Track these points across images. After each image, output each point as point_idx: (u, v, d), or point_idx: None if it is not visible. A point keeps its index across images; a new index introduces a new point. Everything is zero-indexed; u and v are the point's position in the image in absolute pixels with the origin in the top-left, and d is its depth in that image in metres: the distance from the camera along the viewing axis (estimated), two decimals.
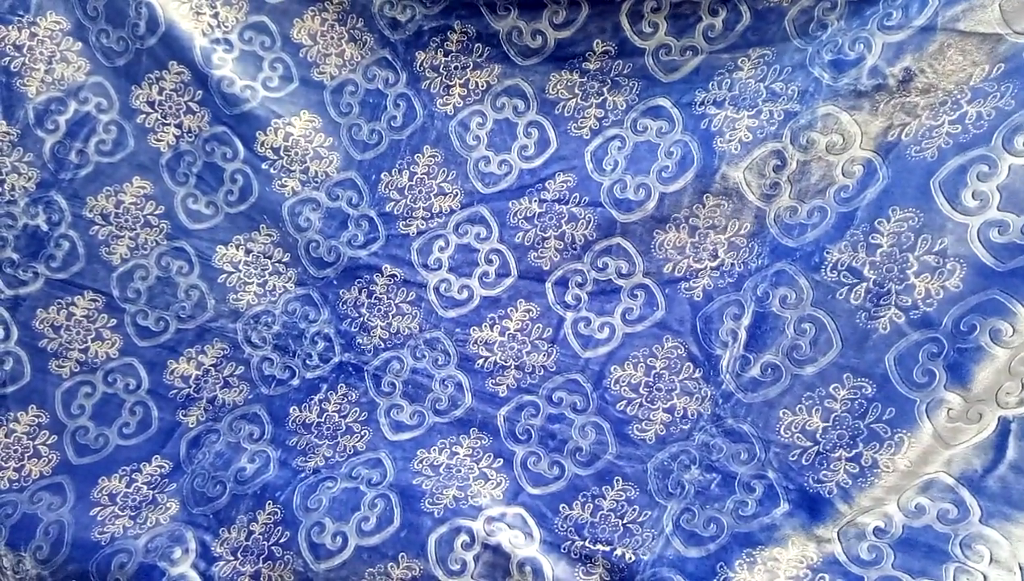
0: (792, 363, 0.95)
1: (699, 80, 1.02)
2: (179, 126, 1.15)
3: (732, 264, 1.01)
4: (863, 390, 0.89)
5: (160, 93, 1.14)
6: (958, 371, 0.82)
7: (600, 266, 1.08)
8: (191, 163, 1.16)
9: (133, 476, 1.13)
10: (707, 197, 1.00)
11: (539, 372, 1.10)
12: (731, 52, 1.00)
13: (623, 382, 1.06)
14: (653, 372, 1.05)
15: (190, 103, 1.15)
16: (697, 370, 1.03)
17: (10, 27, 1.13)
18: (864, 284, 0.89)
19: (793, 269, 0.95)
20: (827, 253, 0.92)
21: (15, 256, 1.15)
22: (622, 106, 1.06)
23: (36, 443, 1.14)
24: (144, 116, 1.15)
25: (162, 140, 1.16)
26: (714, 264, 1.02)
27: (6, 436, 1.13)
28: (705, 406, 1.01)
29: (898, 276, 0.87)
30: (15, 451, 1.13)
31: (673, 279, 1.05)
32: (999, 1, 0.81)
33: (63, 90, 1.14)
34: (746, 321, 0.99)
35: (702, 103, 1.01)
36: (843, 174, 0.93)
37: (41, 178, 1.15)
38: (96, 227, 1.16)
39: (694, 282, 1.04)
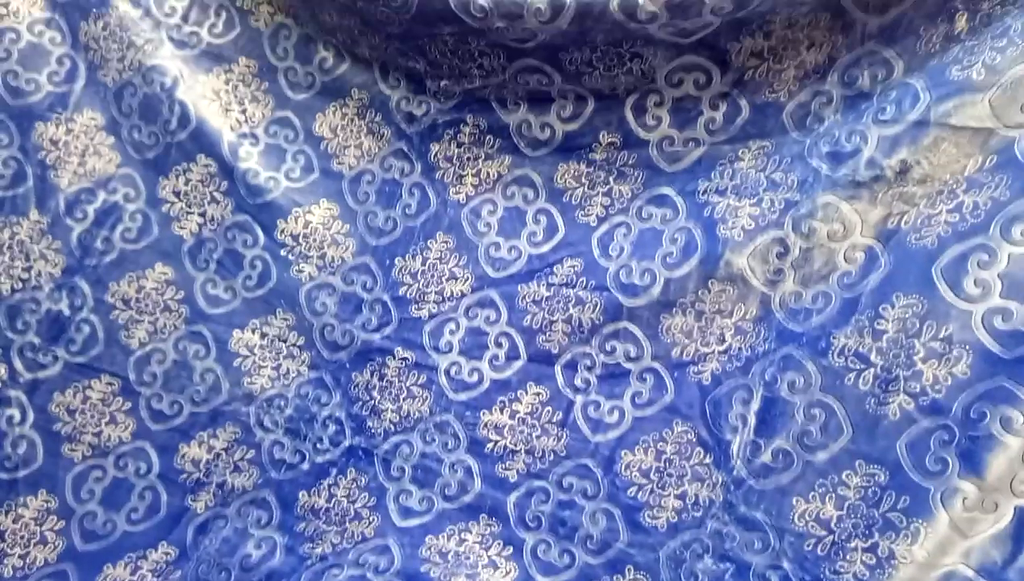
0: (803, 449, 0.94)
1: (701, 170, 1.05)
2: (203, 214, 1.20)
3: (739, 348, 1.02)
4: (876, 478, 0.88)
5: (186, 184, 1.20)
6: (971, 459, 0.81)
7: (608, 349, 1.09)
8: (212, 250, 1.20)
9: (139, 563, 1.11)
10: (712, 282, 1.02)
11: (549, 456, 1.10)
12: (732, 144, 1.04)
13: (633, 467, 1.06)
14: (664, 457, 1.04)
15: (215, 193, 1.20)
16: (708, 455, 1.02)
17: (48, 124, 1.20)
18: (872, 370, 0.90)
19: (800, 354, 0.96)
20: (833, 338, 0.93)
21: (36, 340, 1.18)
22: (628, 194, 1.10)
23: (43, 529, 1.13)
24: (169, 205, 1.20)
25: (185, 228, 1.21)
26: (721, 348, 1.03)
27: (14, 522, 1.13)
28: (717, 492, 1.00)
29: (905, 362, 0.87)
30: (22, 537, 1.12)
31: (681, 363, 1.05)
32: (988, 97, 0.85)
33: (94, 181, 1.20)
34: (755, 406, 0.99)
35: (705, 192, 1.05)
36: (845, 260, 0.94)
37: (67, 265, 1.19)
38: (117, 311, 1.19)
39: (702, 366, 1.04)
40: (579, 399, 1.10)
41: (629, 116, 1.07)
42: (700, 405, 1.03)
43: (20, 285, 1.18)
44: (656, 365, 1.07)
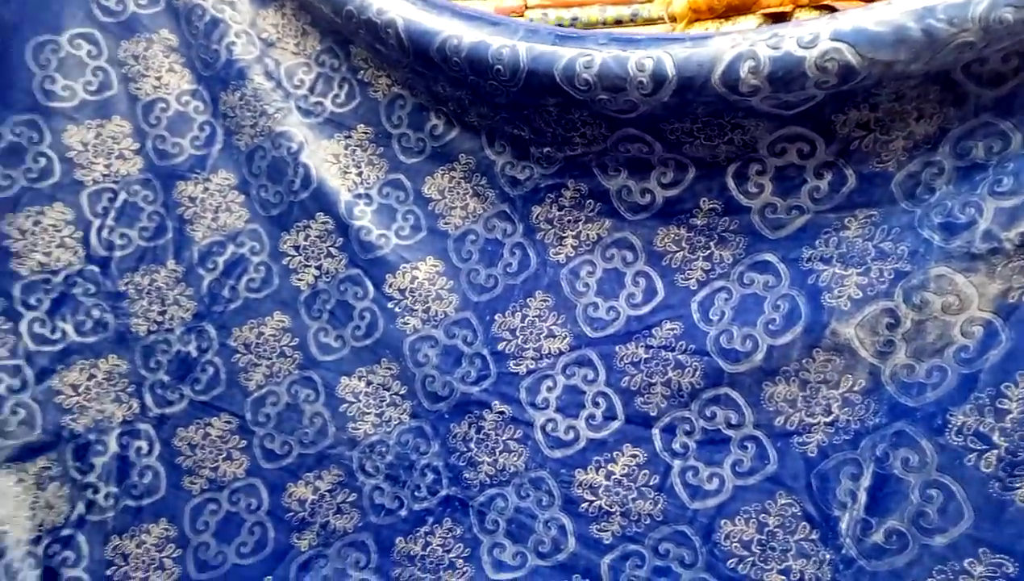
0: (919, 531, 0.90)
1: (806, 237, 1.05)
2: (319, 268, 1.29)
3: (847, 421, 1.00)
4: (1004, 568, 0.83)
5: (306, 239, 1.29)
6: None
7: (708, 415, 1.09)
8: (326, 301, 1.28)
9: None
10: (817, 351, 1.01)
11: (645, 520, 1.09)
12: (837, 212, 1.03)
13: (734, 538, 1.04)
14: (766, 529, 1.02)
15: (331, 248, 1.28)
16: (814, 531, 0.99)
17: (188, 183, 1.32)
18: (995, 451, 0.86)
19: (914, 430, 0.93)
20: (951, 415, 0.90)
21: (166, 378, 1.28)
22: (728, 260, 1.10)
23: (162, 555, 1.21)
24: (290, 258, 1.30)
25: (303, 279, 1.29)
26: (828, 419, 1.01)
27: (137, 547, 1.22)
28: (824, 571, 0.97)
29: None
30: (143, 562, 1.21)
31: (785, 432, 1.04)
32: None
33: (224, 235, 1.31)
34: (865, 482, 0.96)
35: (809, 259, 1.04)
36: (962, 334, 0.92)
37: (197, 310, 1.30)
38: (238, 355, 1.28)
39: (807, 437, 1.02)
40: (677, 464, 1.10)
41: (731, 183, 1.08)
42: (805, 478, 1.01)
43: (155, 327, 1.29)
44: (758, 434, 1.05)
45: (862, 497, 0.96)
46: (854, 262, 1.00)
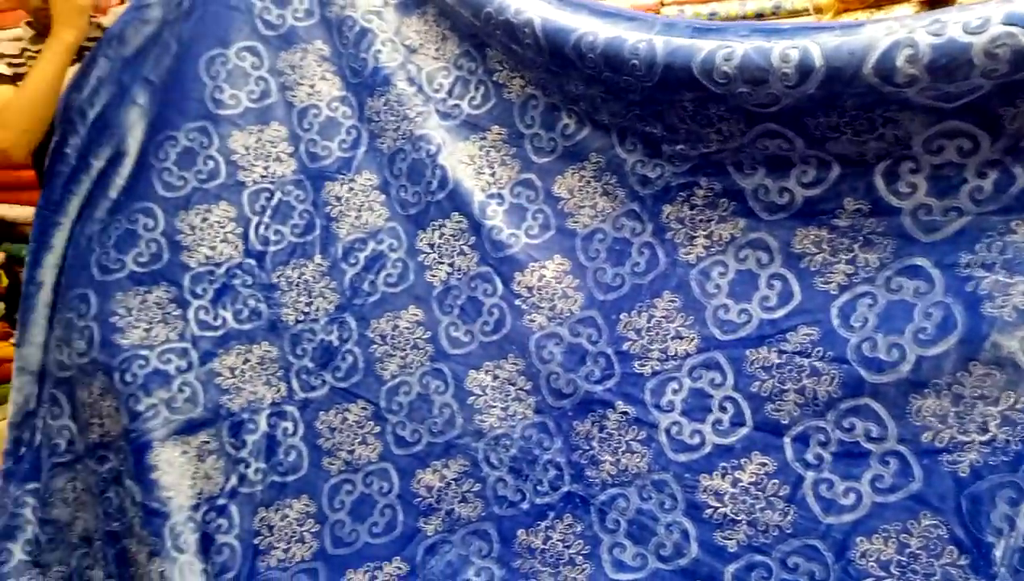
0: None
1: (964, 241, 0.96)
2: (451, 265, 1.34)
3: (1006, 440, 0.91)
4: None
5: (440, 237, 1.35)
6: None
7: (846, 426, 1.03)
8: (457, 296, 1.33)
9: (375, 573, 1.25)
10: (974, 365, 0.93)
11: (773, 532, 1.05)
12: (1003, 215, 0.94)
13: (871, 557, 0.98)
14: (907, 551, 0.95)
15: (463, 246, 1.33)
16: (963, 556, 0.91)
17: (335, 183, 1.42)
18: None
19: None
20: None
21: (310, 365, 1.38)
22: (875, 264, 1.03)
23: (303, 529, 1.31)
24: (425, 255, 1.36)
25: (436, 276, 1.35)
26: (983, 438, 0.93)
27: (281, 519, 1.32)
28: None
29: None
30: (286, 534, 1.31)
31: (933, 449, 0.96)
32: None
33: (366, 232, 1.40)
34: None
35: (968, 265, 0.96)
36: None
37: (339, 302, 1.39)
38: (375, 346, 1.36)
39: (959, 455, 0.94)
40: (810, 475, 1.05)
41: (879, 183, 1.01)
42: (955, 499, 0.93)
43: (302, 317, 1.40)
44: (902, 448, 0.99)
45: (1022, 525, 0.87)
46: (1021, 270, 0.92)
